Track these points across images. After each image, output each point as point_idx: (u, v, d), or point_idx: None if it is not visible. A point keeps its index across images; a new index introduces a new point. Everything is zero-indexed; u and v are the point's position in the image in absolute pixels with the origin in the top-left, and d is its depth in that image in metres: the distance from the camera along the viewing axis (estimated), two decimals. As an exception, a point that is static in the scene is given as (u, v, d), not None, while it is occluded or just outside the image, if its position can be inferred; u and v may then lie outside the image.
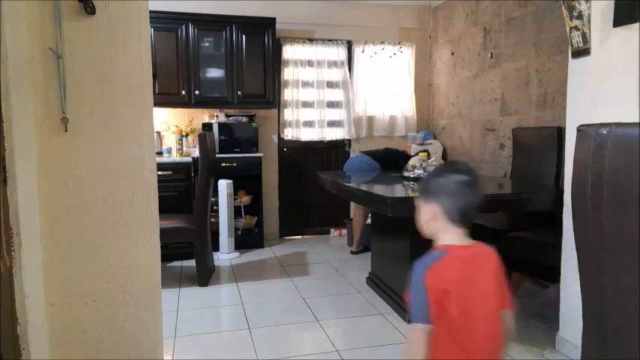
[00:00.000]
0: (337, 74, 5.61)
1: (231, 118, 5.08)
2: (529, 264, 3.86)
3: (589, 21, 2.35)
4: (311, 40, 5.48)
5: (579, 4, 2.36)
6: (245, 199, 5.02)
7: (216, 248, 4.72)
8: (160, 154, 4.86)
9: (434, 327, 1.38)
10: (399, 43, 5.78)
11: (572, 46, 2.50)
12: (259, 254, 4.96)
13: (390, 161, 4.57)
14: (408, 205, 2.92)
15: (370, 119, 5.78)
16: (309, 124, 5.58)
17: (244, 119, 5.08)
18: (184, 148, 4.98)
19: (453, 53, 5.40)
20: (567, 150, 2.60)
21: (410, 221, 3.07)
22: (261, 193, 5.20)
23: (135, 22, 1.76)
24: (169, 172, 4.56)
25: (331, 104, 5.64)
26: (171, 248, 4.54)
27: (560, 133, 3.55)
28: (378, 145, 5.58)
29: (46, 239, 1.73)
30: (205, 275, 3.95)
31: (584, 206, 1.49)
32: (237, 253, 4.79)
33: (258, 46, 5.02)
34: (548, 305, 3.24)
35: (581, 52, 2.44)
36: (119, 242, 1.82)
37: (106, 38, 1.74)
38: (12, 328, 1.56)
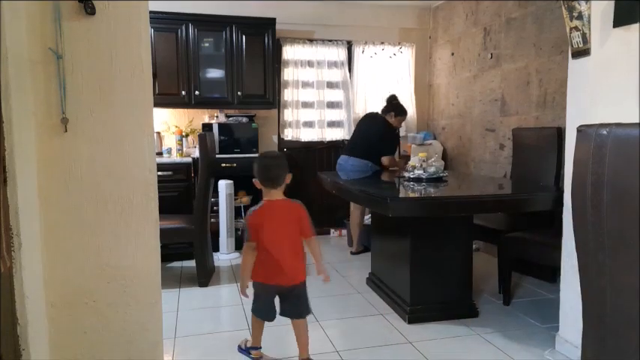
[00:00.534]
0: (337, 74, 5.61)
1: (231, 119, 5.08)
2: (529, 264, 3.87)
3: (589, 21, 2.35)
4: (311, 41, 5.48)
5: (579, 4, 2.36)
6: (245, 200, 5.02)
7: (217, 249, 4.72)
8: (160, 154, 4.87)
9: (256, 245, 2.44)
10: (399, 43, 5.78)
11: (572, 46, 2.50)
12: (259, 255, 4.93)
13: (370, 147, 4.58)
14: (408, 206, 2.97)
15: (370, 119, 5.78)
16: (309, 124, 5.59)
17: (244, 120, 5.09)
18: (184, 149, 4.99)
19: (453, 54, 5.41)
20: (567, 150, 2.60)
21: (410, 221, 3.12)
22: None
23: (135, 22, 1.76)
24: (169, 173, 4.56)
25: (331, 105, 5.65)
26: (172, 249, 4.54)
27: (560, 133, 3.56)
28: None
29: (46, 239, 1.73)
30: (205, 276, 3.94)
31: (584, 206, 1.49)
32: (237, 254, 4.78)
33: (258, 47, 5.02)
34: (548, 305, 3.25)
35: (581, 52, 2.44)
36: (119, 242, 1.82)
37: (106, 38, 1.74)
38: (12, 329, 1.56)
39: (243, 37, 4.96)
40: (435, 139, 5.70)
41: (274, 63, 5.12)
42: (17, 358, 1.57)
